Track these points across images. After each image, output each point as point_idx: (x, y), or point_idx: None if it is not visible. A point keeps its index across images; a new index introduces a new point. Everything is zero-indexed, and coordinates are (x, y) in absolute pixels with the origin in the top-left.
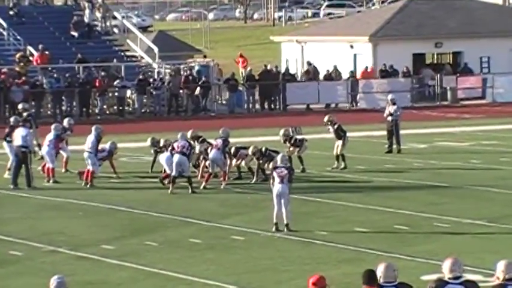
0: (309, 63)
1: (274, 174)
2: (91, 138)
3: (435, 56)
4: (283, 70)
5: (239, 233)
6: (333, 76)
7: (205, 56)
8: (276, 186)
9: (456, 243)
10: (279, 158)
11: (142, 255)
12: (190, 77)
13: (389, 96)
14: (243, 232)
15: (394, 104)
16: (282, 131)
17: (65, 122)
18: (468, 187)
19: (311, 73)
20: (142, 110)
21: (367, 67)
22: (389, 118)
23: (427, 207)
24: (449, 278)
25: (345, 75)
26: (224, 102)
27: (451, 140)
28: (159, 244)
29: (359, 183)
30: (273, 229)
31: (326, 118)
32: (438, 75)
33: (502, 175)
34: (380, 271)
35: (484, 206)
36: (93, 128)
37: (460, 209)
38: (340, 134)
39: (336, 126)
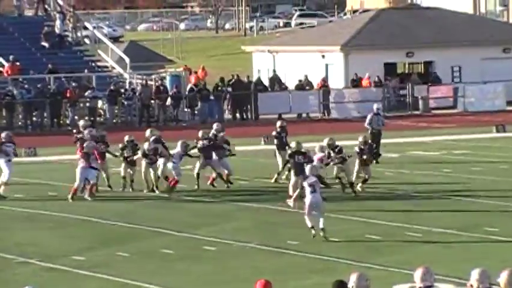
0: (274, 71)
1: (305, 184)
2: (177, 150)
3: (406, 65)
4: (254, 80)
5: (211, 244)
6: (304, 86)
7: (189, 70)
8: (308, 197)
9: (428, 253)
10: (308, 168)
11: (114, 266)
12: (162, 87)
13: (375, 106)
14: (214, 242)
15: (378, 114)
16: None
17: (147, 132)
18: (439, 196)
19: (275, 81)
20: (114, 121)
21: (323, 78)
22: (373, 129)
23: (398, 217)
24: (420, 287)
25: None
26: (196, 112)
27: (423, 150)
28: (130, 255)
29: (331, 192)
30: (313, 233)
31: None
32: (409, 84)
33: (473, 184)
34: (352, 281)
35: (455, 215)
36: (179, 143)
37: (431, 218)
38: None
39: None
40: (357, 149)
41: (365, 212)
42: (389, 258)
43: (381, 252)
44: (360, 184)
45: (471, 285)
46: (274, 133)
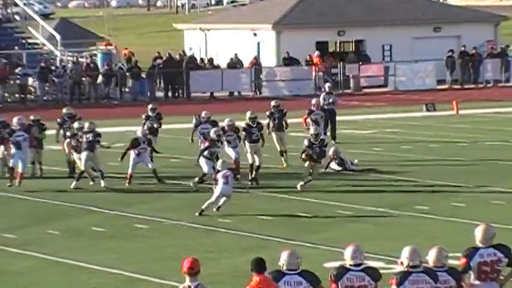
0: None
1: (219, 176)
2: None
3: (338, 44)
4: (187, 57)
5: (142, 222)
6: (235, 64)
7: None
8: (220, 186)
9: (358, 231)
10: (219, 163)
11: (45, 244)
12: (92, 65)
13: (327, 85)
14: (146, 220)
15: (330, 93)
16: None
17: (212, 133)
18: (370, 175)
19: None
20: (45, 98)
21: (255, 56)
22: (326, 107)
23: (330, 195)
24: (350, 265)
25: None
26: (127, 90)
27: (354, 128)
28: (61, 233)
29: (263, 170)
30: (198, 213)
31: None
32: (341, 63)
33: (404, 163)
34: (283, 259)
35: (386, 193)
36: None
37: (363, 197)
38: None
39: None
40: (306, 142)
41: (297, 190)
42: (320, 236)
43: (312, 230)
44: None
45: (401, 263)
46: (267, 113)
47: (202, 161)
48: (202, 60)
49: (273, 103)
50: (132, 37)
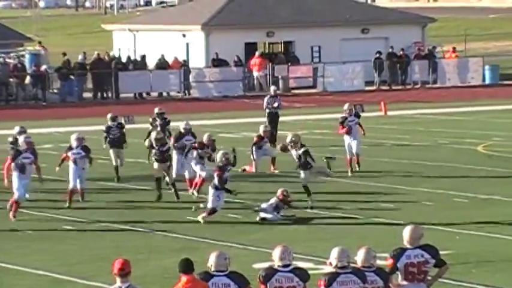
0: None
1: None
2: None
3: (267, 45)
4: (115, 58)
5: (71, 223)
6: (164, 65)
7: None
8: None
9: (287, 232)
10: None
11: None
12: (19, 65)
13: (272, 88)
14: (75, 222)
15: (275, 96)
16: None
17: (205, 138)
18: (298, 175)
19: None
20: None
21: (175, 57)
22: (269, 110)
23: (258, 196)
24: (279, 266)
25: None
26: (56, 91)
27: (283, 129)
28: None
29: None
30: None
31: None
32: (270, 64)
33: (332, 164)
34: (211, 260)
35: (314, 194)
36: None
37: (291, 198)
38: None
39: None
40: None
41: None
42: (249, 237)
43: (241, 231)
44: None
45: (330, 264)
46: (150, 119)
47: (197, 167)
48: (131, 60)
49: (156, 110)
50: (60, 38)
